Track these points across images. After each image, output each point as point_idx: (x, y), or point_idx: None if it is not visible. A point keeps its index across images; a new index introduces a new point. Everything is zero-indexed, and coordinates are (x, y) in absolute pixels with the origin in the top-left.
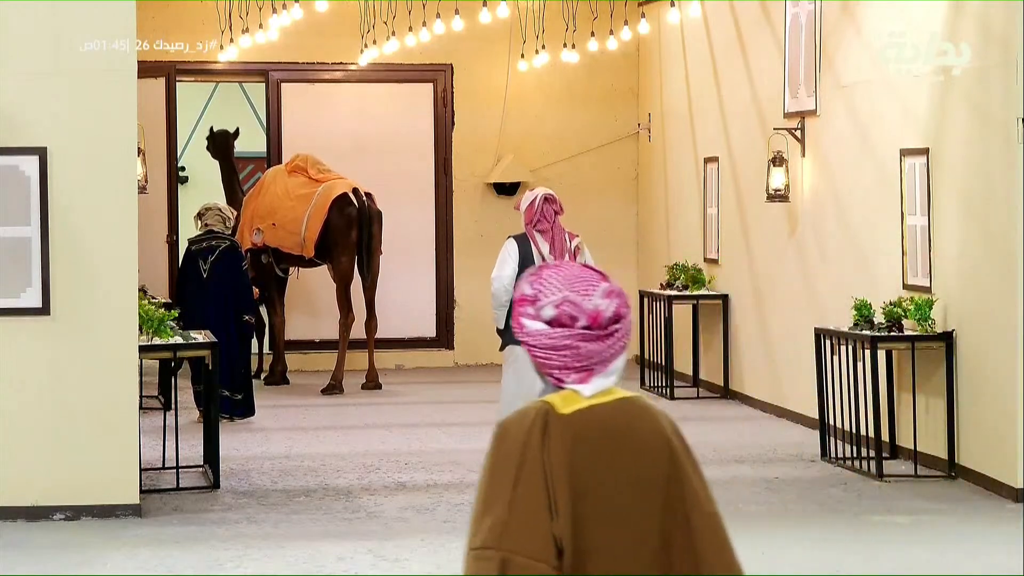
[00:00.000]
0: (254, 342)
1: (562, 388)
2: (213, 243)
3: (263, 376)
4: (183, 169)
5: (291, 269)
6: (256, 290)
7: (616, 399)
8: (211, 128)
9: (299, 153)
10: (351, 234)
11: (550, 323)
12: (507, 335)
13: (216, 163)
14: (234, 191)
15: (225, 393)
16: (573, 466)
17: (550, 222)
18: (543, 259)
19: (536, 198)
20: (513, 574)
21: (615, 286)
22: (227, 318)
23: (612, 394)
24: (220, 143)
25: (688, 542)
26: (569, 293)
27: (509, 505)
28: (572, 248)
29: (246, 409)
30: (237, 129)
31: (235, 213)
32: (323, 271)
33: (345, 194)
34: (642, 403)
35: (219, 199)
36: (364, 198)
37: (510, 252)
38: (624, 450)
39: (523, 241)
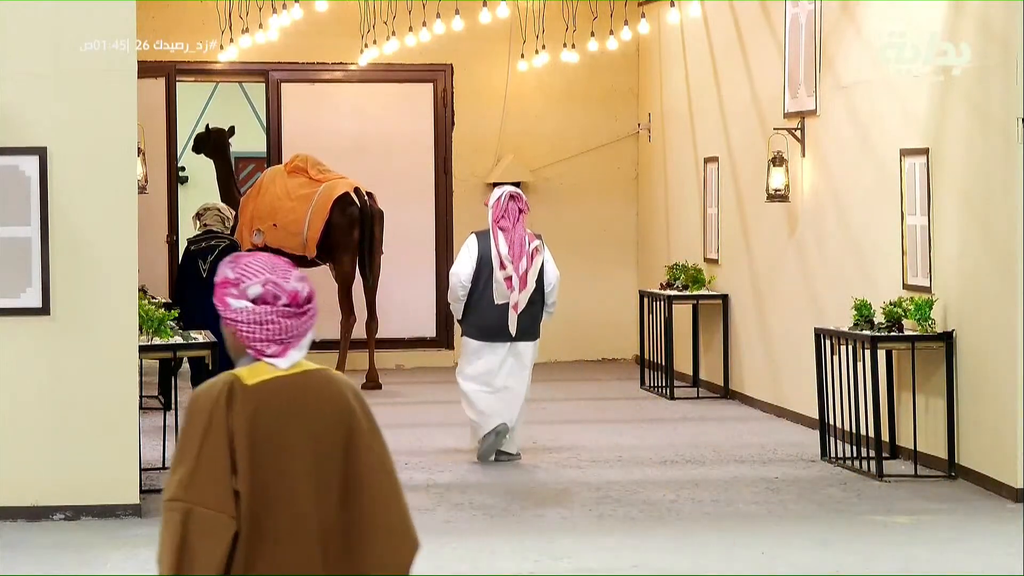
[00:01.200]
0: None
1: (260, 360)
2: (212, 243)
3: None
4: (183, 169)
5: None
6: None
7: (302, 371)
8: (207, 126)
9: (298, 153)
10: (353, 234)
11: (255, 301)
12: (464, 326)
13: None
14: (230, 190)
15: None
16: (255, 429)
17: (513, 220)
18: (500, 258)
19: (502, 195)
20: (196, 522)
21: (303, 274)
22: None
23: (299, 367)
24: (217, 141)
25: (361, 497)
26: (271, 275)
27: (195, 463)
28: (531, 250)
29: None
30: (232, 127)
31: (234, 213)
32: (322, 271)
33: (347, 194)
34: (327, 374)
35: (218, 199)
36: (366, 198)
37: (469, 248)
38: (305, 415)
39: (484, 238)
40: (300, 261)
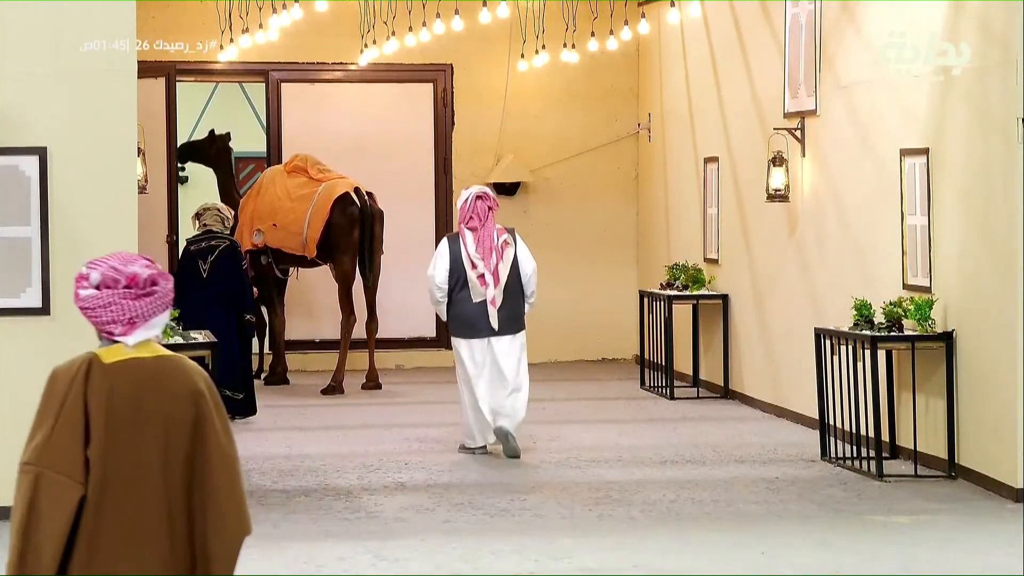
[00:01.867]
0: (254, 341)
1: (114, 342)
2: (212, 243)
3: (263, 376)
4: (183, 169)
5: (291, 269)
6: (255, 290)
7: (156, 356)
8: (211, 131)
9: (298, 153)
10: (353, 233)
11: (97, 287)
12: (451, 328)
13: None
14: (230, 192)
15: (226, 393)
16: (109, 404)
17: (481, 220)
18: (470, 258)
19: (469, 196)
20: (45, 485)
21: (155, 265)
22: (227, 318)
23: (154, 352)
24: (220, 147)
25: (205, 472)
26: (111, 263)
27: (50, 432)
28: (500, 244)
29: (247, 408)
30: (228, 133)
31: (233, 213)
32: (323, 271)
33: (347, 193)
34: (178, 361)
35: (217, 199)
36: (366, 197)
37: (442, 252)
38: (156, 395)
39: (454, 240)
40: (300, 261)
